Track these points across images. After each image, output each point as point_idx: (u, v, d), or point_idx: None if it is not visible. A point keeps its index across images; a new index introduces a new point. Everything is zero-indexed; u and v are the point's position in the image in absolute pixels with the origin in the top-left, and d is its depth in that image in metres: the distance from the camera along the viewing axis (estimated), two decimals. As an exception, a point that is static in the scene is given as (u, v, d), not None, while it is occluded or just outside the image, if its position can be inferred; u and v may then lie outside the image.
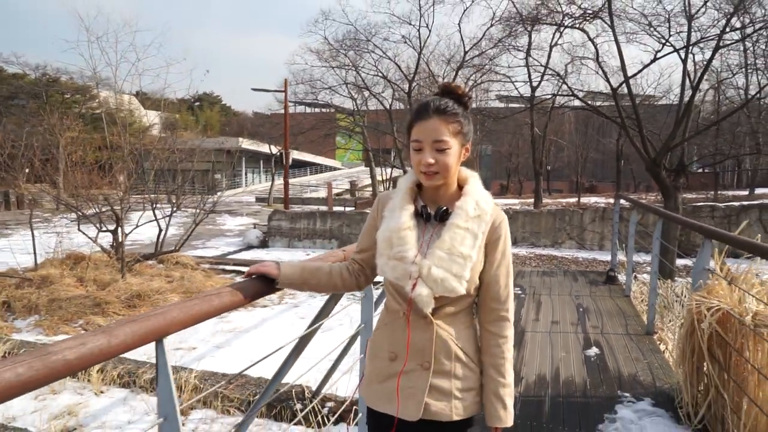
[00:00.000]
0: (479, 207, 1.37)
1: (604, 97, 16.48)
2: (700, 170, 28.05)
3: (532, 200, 18.93)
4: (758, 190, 21.41)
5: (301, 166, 47.07)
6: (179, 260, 8.85)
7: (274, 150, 27.24)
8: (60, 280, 6.88)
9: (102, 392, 4.46)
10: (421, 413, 1.38)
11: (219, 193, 12.63)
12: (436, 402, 1.39)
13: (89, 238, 8.02)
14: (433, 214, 1.40)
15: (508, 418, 1.41)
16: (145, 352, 5.61)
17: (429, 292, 1.33)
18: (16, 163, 25.34)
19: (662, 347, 4.52)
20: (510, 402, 1.42)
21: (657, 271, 4.65)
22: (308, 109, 42.74)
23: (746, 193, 21.10)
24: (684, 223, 4.20)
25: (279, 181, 34.10)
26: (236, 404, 4.05)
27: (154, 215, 8.27)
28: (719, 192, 21.01)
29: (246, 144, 38.35)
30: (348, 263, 1.59)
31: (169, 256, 8.81)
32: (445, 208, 1.40)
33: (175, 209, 8.50)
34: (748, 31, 8.35)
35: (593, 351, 4.20)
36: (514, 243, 13.07)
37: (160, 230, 8.34)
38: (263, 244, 14.75)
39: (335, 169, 52.85)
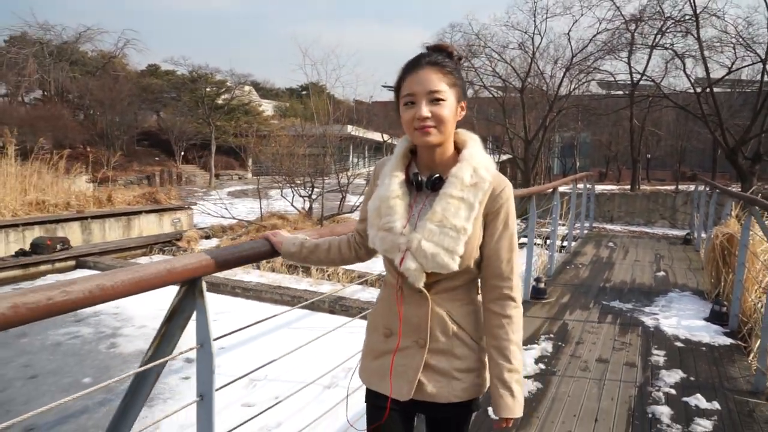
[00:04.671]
0: (477, 174, 1.24)
1: (702, 87, 17.66)
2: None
3: (629, 186, 20.34)
4: None
5: (401, 151, 49.85)
6: (346, 220, 11.94)
7: (386, 137, 30.27)
8: (282, 227, 10.12)
9: (345, 285, 7.48)
10: (413, 393, 1.29)
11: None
12: (433, 382, 1.29)
13: (289, 202, 11.32)
14: (425, 182, 1.28)
15: (517, 408, 1.27)
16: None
17: (417, 266, 1.23)
18: (177, 146, 30.43)
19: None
20: (518, 389, 1.28)
21: (713, 225, 6.81)
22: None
23: None
24: (727, 192, 6.37)
25: (386, 166, 37.06)
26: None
27: (339, 186, 11.42)
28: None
29: (353, 131, 41.94)
30: (350, 235, 1.53)
31: (339, 217, 11.94)
32: (438, 175, 1.27)
33: (350, 182, 11.60)
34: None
35: (661, 273, 6.51)
36: (611, 221, 14.97)
37: (343, 197, 11.49)
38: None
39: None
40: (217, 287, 7.07)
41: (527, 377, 3.34)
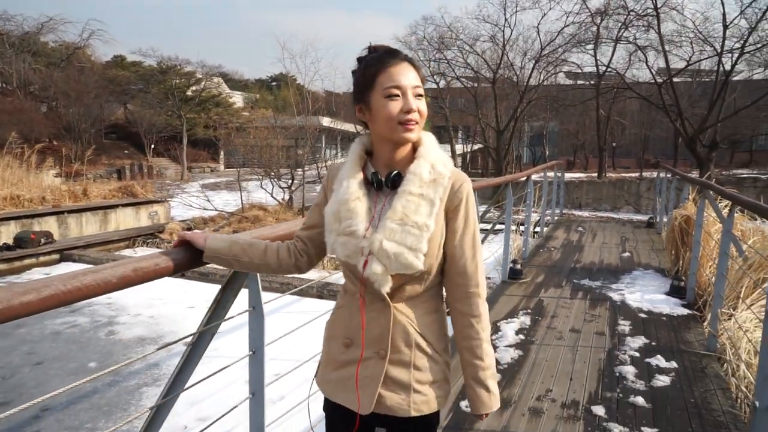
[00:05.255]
0: (435, 170, 1.22)
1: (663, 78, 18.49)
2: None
3: (596, 174, 21.13)
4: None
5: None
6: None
7: (359, 128, 30.48)
8: (264, 218, 10.33)
9: (331, 272, 7.76)
10: (374, 406, 1.25)
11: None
12: (393, 395, 1.25)
13: (268, 193, 11.49)
14: (384, 180, 1.25)
15: (494, 402, 1.29)
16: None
17: (383, 269, 1.18)
18: (147, 139, 29.96)
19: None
20: (493, 384, 1.29)
21: (673, 209, 7.33)
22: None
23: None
24: (685, 178, 6.89)
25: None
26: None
27: (319, 177, 11.65)
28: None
29: (326, 122, 41.92)
30: (291, 241, 1.41)
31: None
32: (397, 171, 1.24)
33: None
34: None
35: (626, 254, 7.00)
36: (579, 207, 15.60)
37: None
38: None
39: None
40: (206, 276, 7.27)
41: (509, 346, 3.71)
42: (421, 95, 1.22)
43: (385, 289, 1.20)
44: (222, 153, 38.04)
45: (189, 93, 34.60)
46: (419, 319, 1.27)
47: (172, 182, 28.14)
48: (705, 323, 4.39)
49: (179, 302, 6.42)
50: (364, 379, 1.26)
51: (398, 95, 1.19)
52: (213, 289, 6.32)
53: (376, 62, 1.22)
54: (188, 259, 1.39)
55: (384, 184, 1.25)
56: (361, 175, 1.27)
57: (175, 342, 1.88)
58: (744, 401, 3.07)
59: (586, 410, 2.83)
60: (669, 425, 2.69)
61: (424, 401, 1.26)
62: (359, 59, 1.26)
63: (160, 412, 1.86)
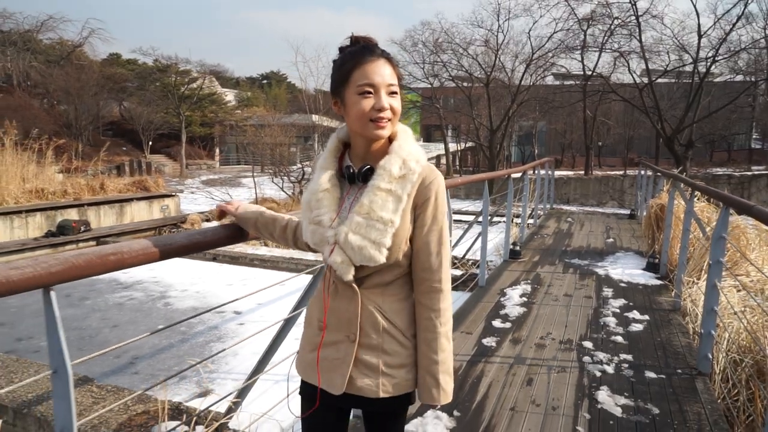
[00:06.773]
0: (406, 166, 1.23)
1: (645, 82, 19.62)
2: (759, 147, 30.56)
3: (583, 171, 22.17)
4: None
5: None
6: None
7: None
8: (278, 211, 11.08)
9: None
10: (345, 387, 1.29)
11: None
12: (362, 377, 1.29)
13: (279, 187, 12.28)
14: (356, 174, 1.28)
15: (442, 397, 1.30)
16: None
17: (344, 259, 1.23)
18: (144, 136, 30.45)
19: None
20: (444, 379, 1.30)
21: (651, 198, 8.28)
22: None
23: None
24: (661, 173, 7.84)
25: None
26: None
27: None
28: (753, 166, 23.60)
29: (319, 120, 42.64)
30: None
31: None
32: (369, 166, 1.27)
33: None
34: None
35: (610, 240, 7.93)
36: (567, 202, 16.56)
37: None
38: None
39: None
40: (236, 260, 8.04)
41: (515, 305, 4.58)
42: (395, 93, 1.25)
43: (348, 277, 1.25)
44: (218, 150, 38.63)
45: (186, 91, 35.18)
46: (388, 305, 1.30)
47: (171, 178, 28.73)
48: (673, 291, 5.31)
49: (217, 281, 7.19)
50: (336, 361, 1.30)
51: (371, 93, 1.21)
52: (243, 271, 7.36)
53: (351, 58, 1.24)
54: (234, 235, 1.71)
55: (356, 177, 1.28)
56: (335, 167, 1.33)
57: (228, 303, 2.66)
58: (699, 337, 3.97)
59: (578, 345, 3.72)
60: (640, 353, 3.58)
61: (394, 384, 1.30)
62: (341, 49, 1.30)
63: (288, 323, 2.72)
